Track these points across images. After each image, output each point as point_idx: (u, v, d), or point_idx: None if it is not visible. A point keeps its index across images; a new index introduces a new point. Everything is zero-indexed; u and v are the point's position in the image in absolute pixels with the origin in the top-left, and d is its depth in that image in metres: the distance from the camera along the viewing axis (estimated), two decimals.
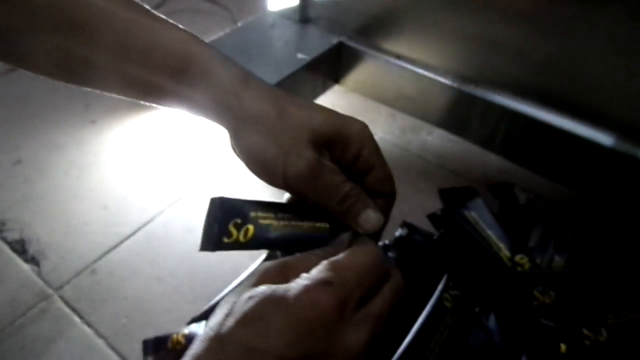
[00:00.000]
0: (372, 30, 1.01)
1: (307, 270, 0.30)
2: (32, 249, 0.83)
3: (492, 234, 0.81)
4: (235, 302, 0.29)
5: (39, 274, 0.79)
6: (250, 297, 0.28)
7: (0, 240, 0.84)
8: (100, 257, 0.82)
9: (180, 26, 0.37)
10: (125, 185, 0.94)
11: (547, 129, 0.89)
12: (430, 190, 0.93)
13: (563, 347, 0.70)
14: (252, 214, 0.35)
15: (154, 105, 0.39)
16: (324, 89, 1.09)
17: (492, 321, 0.73)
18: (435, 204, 0.89)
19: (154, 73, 0.36)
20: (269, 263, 0.32)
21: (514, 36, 0.86)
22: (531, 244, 0.82)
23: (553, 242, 0.80)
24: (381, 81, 1.06)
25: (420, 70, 0.98)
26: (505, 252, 0.79)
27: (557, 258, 0.78)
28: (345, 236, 0.36)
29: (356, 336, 0.28)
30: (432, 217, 0.84)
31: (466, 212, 0.83)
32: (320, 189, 0.35)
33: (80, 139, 1.02)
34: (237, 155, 0.38)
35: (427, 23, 0.93)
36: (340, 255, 0.31)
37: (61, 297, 0.77)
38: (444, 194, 0.91)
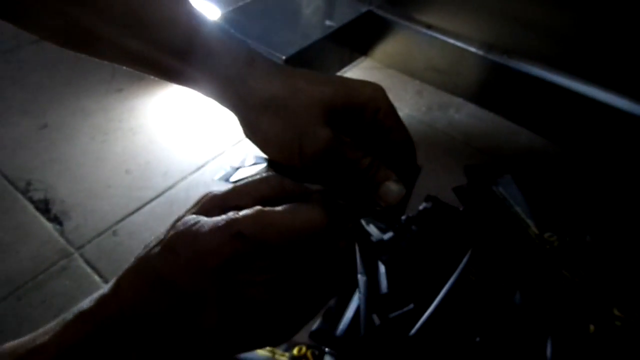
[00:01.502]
0: None
1: (239, 206, 0.29)
2: (55, 209, 0.83)
3: (521, 210, 0.78)
4: (169, 227, 0.29)
5: (62, 233, 0.80)
6: (173, 227, 0.28)
7: (26, 199, 0.85)
8: (122, 219, 0.82)
9: (189, 1, 0.36)
10: (149, 151, 0.94)
11: (584, 102, 0.85)
12: (456, 167, 0.91)
13: (592, 327, 0.67)
14: None
15: (164, 81, 0.38)
16: (350, 60, 1.07)
17: (517, 299, 0.70)
18: (460, 182, 0.87)
19: (158, 51, 0.35)
20: (218, 189, 0.31)
21: (548, 6, 0.83)
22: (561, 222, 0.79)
23: (584, 221, 0.77)
24: (410, 52, 1.03)
25: (451, 41, 0.95)
26: (533, 229, 0.76)
27: (588, 237, 0.75)
28: (275, 179, 0.33)
29: (255, 288, 0.28)
30: (457, 190, 0.82)
31: (494, 188, 0.80)
32: (339, 165, 0.34)
33: (106, 105, 1.03)
34: (251, 140, 0.37)
35: None
36: (277, 209, 0.29)
37: (82, 256, 0.77)
38: (469, 170, 0.88)
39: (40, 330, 0.27)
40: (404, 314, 0.69)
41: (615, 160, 0.89)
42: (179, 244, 0.28)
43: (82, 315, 0.27)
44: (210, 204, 0.31)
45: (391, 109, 0.36)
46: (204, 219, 0.28)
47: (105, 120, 1.00)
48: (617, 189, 0.88)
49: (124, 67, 0.38)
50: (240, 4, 1.03)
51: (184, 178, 0.89)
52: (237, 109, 0.36)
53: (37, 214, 0.83)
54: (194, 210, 0.31)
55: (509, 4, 0.87)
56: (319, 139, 0.33)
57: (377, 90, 0.35)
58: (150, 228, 0.81)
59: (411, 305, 0.69)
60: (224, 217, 0.28)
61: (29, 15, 0.35)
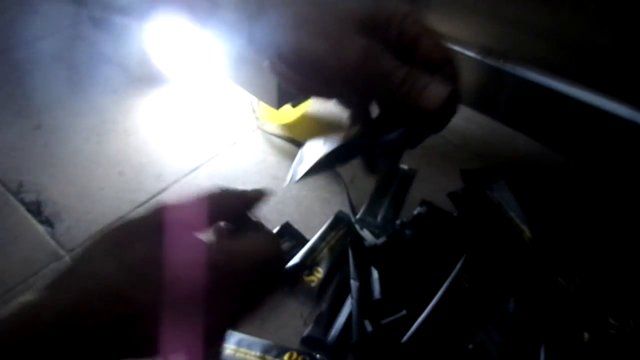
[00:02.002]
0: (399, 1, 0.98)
1: (193, 225, 0.30)
2: (47, 211, 0.83)
3: (515, 216, 0.77)
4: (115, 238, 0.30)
5: (53, 236, 0.79)
6: (129, 246, 0.29)
7: (17, 200, 0.84)
8: (114, 222, 0.81)
9: None
10: (143, 153, 0.93)
11: (582, 108, 0.85)
12: (452, 171, 0.90)
13: (586, 335, 0.67)
14: None
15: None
16: None
17: (511, 306, 0.70)
18: (456, 186, 0.86)
19: None
20: (168, 202, 0.31)
21: (547, 11, 0.82)
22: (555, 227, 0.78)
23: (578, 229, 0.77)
24: None
25: (448, 44, 0.95)
26: (527, 234, 0.75)
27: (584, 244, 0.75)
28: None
29: (220, 316, 0.29)
30: (452, 195, 0.81)
31: (489, 193, 0.80)
32: (378, 76, 0.34)
33: (101, 106, 1.02)
34: (282, 66, 0.36)
35: None
36: (238, 242, 0.31)
37: (73, 259, 0.76)
38: (466, 174, 0.88)
39: None
40: (396, 320, 0.68)
41: (613, 168, 0.88)
42: (142, 261, 0.27)
43: (14, 324, 0.26)
44: (162, 219, 0.30)
45: (418, 17, 0.36)
46: (169, 241, 0.29)
47: (99, 122, 0.99)
48: (615, 196, 0.87)
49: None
50: None
51: (177, 181, 0.88)
52: (269, 33, 0.36)
53: (29, 215, 0.82)
54: (146, 220, 0.30)
55: (508, 8, 0.87)
56: (356, 49, 0.34)
57: (403, 6, 0.36)
58: None
59: (404, 312, 0.68)
60: (195, 246, 0.29)
61: None
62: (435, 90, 0.34)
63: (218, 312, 0.29)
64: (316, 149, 0.40)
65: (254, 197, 0.35)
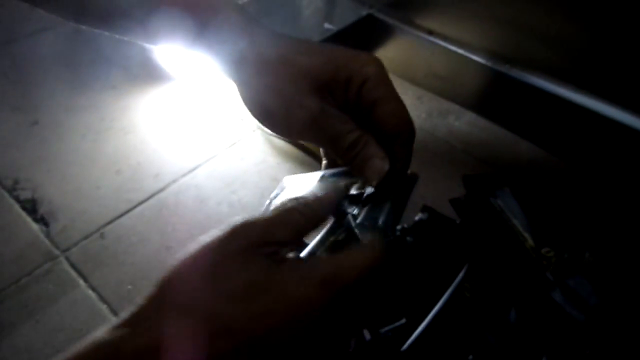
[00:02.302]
0: (405, 3, 0.96)
1: (287, 237, 0.29)
2: (42, 209, 0.81)
3: (518, 223, 0.76)
4: (196, 258, 0.28)
5: (48, 235, 0.78)
6: (230, 274, 0.26)
7: (12, 198, 0.83)
8: (110, 222, 0.80)
9: None
10: (140, 152, 0.92)
11: (586, 115, 0.83)
12: (454, 176, 0.88)
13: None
14: None
15: (157, 43, 0.37)
16: None
17: (512, 316, 0.68)
18: (459, 191, 0.85)
19: (160, 6, 0.34)
20: (240, 222, 0.29)
21: (553, 17, 0.81)
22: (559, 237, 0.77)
23: (583, 237, 0.75)
24: (411, 58, 1.01)
25: (453, 48, 0.93)
26: (530, 242, 0.74)
27: (587, 254, 0.73)
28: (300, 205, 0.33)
29: (335, 334, 0.28)
30: (454, 202, 0.80)
31: (492, 200, 0.78)
32: (326, 138, 0.34)
33: (100, 103, 1.01)
34: (247, 108, 0.36)
35: None
36: (342, 258, 0.30)
37: (67, 259, 0.75)
38: (468, 180, 0.86)
39: None
40: (395, 328, 0.67)
41: (616, 176, 0.87)
42: (256, 289, 0.25)
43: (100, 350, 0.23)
44: (248, 238, 0.28)
45: (381, 81, 0.34)
46: (275, 263, 0.27)
47: (97, 119, 0.98)
48: (619, 204, 0.86)
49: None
50: (239, 3, 1.00)
51: (175, 181, 0.87)
52: (229, 68, 0.35)
53: (23, 213, 0.81)
54: (231, 242, 0.28)
55: (514, 12, 0.85)
56: (305, 109, 0.33)
57: (368, 63, 0.34)
58: (139, 232, 0.79)
59: (403, 320, 0.67)
60: (300, 264, 0.28)
61: None
62: (375, 165, 0.33)
63: (334, 330, 0.28)
64: (296, 186, 0.39)
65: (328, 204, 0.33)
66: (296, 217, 0.30)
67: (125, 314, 0.26)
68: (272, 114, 0.34)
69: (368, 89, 0.34)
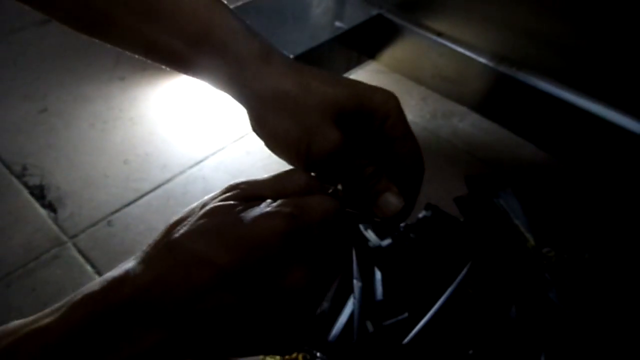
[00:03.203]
0: (414, 4, 0.97)
1: (271, 195, 0.31)
2: (50, 196, 0.82)
3: (520, 223, 0.77)
4: (193, 211, 0.29)
5: (55, 221, 0.79)
6: (209, 211, 0.28)
7: (21, 184, 0.83)
8: (117, 210, 0.81)
9: None
10: (148, 142, 0.92)
11: (589, 118, 0.85)
12: (457, 176, 0.90)
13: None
14: None
15: (174, 71, 0.37)
16: (357, 62, 1.06)
17: (513, 313, 0.70)
18: (461, 191, 0.86)
19: (174, 38, 0.34)
20: (238, 181, 0.32)
21: (560, 22, 0.83)
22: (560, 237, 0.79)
23: (583, 238, 0.77)
24: (419, 59, 1.02)
25: (461, 50, 0.95)
26: (531, 242, 0.76)
27: (586, 254, 0.75)
28: (303, 177, 0.34)
29: (297, 274, 0.28)
30: (458, 200, 0.81)
31: (495, 200, 0.80)
32: (342, 169, 0.34)
33: (108, 93, 1.01)
34: (258, 134, 0.36)
35: (471, 0, 0.90)
36: (310, 197, 0.31)
37: (75, 245, 0.76)
38: (470, 180, 0.88)
39: (47, 310, 0.26)
40: (397, 322, 0.68)
41: (617, 178, 0.89)
42: (223, 226, 0.27)
43: (91, 296, 0.26)
44: (240, 195, 0.31)
45: (401, 119, 0.35)
46: (243, 205, 0.29)
47: (105, 108, 0.98)
48: (618, 206, 0.87)
49: (131, 55, 0.37)
50: (254, 30, 1.01)
51: (182, 172, 0.88)
52: (248, 102, 0.35)
53: (32, 199, 0.81)
54: (225, 197, 0.30)
55: (521, 17, 0.87)
56: (328, 140, 0.33)
57: (389, 98, 0.35)
58: (146, 221, 0.80)
59: (405, 314, 0.68)
60: (269, 204, 0.29)
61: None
62: (390, 200, 0.35)
63: (299, 268, 0.28)
64: None
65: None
66: (286, 183, 0.32)
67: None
68: (290, 145, 0.34)
69: (390, 126, 0.34)
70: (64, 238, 0.76)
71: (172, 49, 0.35)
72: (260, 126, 0.35)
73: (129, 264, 0.27)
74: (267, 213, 0.28)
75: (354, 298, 0.70)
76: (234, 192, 0.31)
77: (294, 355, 0.65)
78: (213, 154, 0.91)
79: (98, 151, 0.90)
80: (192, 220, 0.28)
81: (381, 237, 0.78)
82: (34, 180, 0.84)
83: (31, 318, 0.26)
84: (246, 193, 0.31)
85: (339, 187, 0.36)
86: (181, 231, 0.27)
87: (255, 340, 0.29)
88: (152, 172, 0.87)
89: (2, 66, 1.05)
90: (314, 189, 0.33)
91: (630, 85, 0.81)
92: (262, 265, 0.27)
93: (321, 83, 0.34)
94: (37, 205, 0.81)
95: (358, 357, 0.66)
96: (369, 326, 0.67)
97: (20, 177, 0.84)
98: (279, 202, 0.29)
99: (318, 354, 0.66)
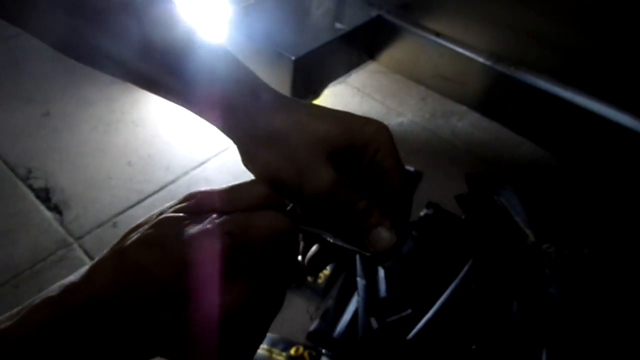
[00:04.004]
0: (413, 5, 0.99)
1: (223, 207, 0.31)
2: (55, 198, 0.83)
3: (520, 220, 0.79)
4: (150, 218, 0.29)
5: (61, 223, 0.79)
6: (158, 222, 0.29)
7: (26, 186, 0.84)
8: (122, 212, 0.82)
9: (195, 28, 0.36)
10: (151, 144, 0.93)
11: (587, 116, 0.86)
12: (457, 175, 0.91)
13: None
14: None
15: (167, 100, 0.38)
16: (358, 63, 1.07)
17: (515, 308, 0.71)
18: (461, 189, 0.87)
19: (165, 74, 0.34)
20: (195, 191, 0.32)
21: (557, 22, 0.84)
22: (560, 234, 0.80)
23: (582, 234, 0.78)
24: (418, 59, 1.03)
25: (460, 50, 0.96)
26: (531, 238, 0.77)
27: (585, 250, 0.76)
28: (261, 190, 0.34)
29: (236, 293, 0.28)
30: (459, 198, 0.83)
31: (495, 197, 0.81)
32: (335, 205, 0.34)
33: (110, 96, 1.02)
34: (249, 170, 0.37)
35: (470, 1, 0.91)
36: (256, 214, 0.31)
37: (81, 247, 0.77)
38: (470, 179, 0.89)
39: (6, 315, 0.27)
40: (401, 318, 0.69)
41: (615, 175, 0.90)
42: (166, 239, 0.28)
43: (49, 300, 0.26)
44: (194, 205, 0.31)
45: (391, 150, 0.35)
46: (191, 218, 0.29)
47: (107, 111, 0.99)
48: (617, 203, 0.88)
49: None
50: (252, 2, 1.03)
51: (185, 173, 0.89)
52: (238, 139, 0.35)
53: (37, 202, 0.82)
54: (177, 208, 0.31)
55: (519, 16, 0.88)
56: (322, 179, 0.33)
57: (379, 130, 0.34)
58: None
59: (409, 311, 0.69)
60: (212, 219, 0.29)
61: (32, 19, 0.34)
62: (383, 235, 0.35)
63: (237, 286, 0.28)
64: None
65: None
66: (244, 195, 0.32)
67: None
68: (283, 182, 0.34)
69: (381, 157, 0.34)
70: (70, 240, 0.77)
71: (162, 83, 0.35)
72: (252, 163, 0.35)
73: (86, 268, 0.28)
74: (206, 230, 0.28)
75: (358, 295, 0.71)
76: (187, 203, 0.31)
77: (300, 352, 0.66)
78: (215, 155, 0.92)
79: (101, 153, 0.91)
80: (143, 228, 0.29)
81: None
82: (38, 183, 0.85)
83: None
84: (198, 205, 0.31)
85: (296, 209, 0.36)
86: (132, 239, 0.28)
87: (202, 352, 0.29)
88: (156, 174, 0.88)
89: (4, 70, 1.06)
90: (272, 204, 0.33)
91: (628, 84, 0.82)
92: (197, 281, 0.27)
93: (311, 119, 0.34)
94: (42, 207, 0.81)
95: (363, 353, 0.67)
96: (373, 323, 0.68)
97: (25, 180, 0.85)
98: (222, 218, 0.29)
99: (323, 351, 0.67)
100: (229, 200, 0.32)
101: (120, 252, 0.28)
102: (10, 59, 1.08)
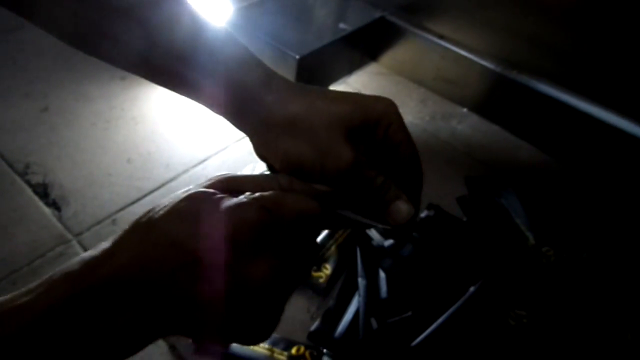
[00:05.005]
0: (417, 7, 0.99)
1: (252, 190, 0.32)
2: (54, 194, 0.82)
3: (521, 222, 0.79)
4: (174, 197, 0.29)
5: (60, 219, 0.79)
6: (188, 196, 0.29)
7: (24, 182, 0.83)
8: (121, 209, 0.81)
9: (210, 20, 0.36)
10: (151, 142, 0.93)
11: (587, 120, 0.87)
12: (456, 177, 0.92)
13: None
14: None
15: (178, 94, 0.38)
16: (360, 64, 1.08)
17: (516, 317, 0.71)
18: (461, 192, 0.88)
19: (176, 63, 0.35)
20: (223, 173, 0.33)
21: (560, 26, 0.85)
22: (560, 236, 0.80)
23: (582, 237, 0.79)
24: (420, 60, 1.04)
25: (463, 52, 0.96)
26: (531, 240, 0.77)
27: (584, 254, 0.77)
28: (286, 178, 0.35)
29: (263, 268, 0.28)
30: (461, 200, 0.83)
31: (496, 199, 0.81)
32: (355, 182, 0.35)
33: (109, 92, 1.02)
34: (267, 159, 0.37)
35: (474, 4, 0.92)
36: (288, 194, 0.32)
37: (80, 243, 0.76)
38: (470, 181, 0.89)
39: (23, 290, 0.26)
40: (402, 320, 0.69)
41: (615, 180, 0.91)
42: (199, 211, 0.28)
43: (70, 276, 0.26)
44: (223, 186, 0.32)
45: (401, 124, 0.36)
46: (224, 194, 0.30)
47: (107, 108, 0.98)
48: (617, 207, 0.89)
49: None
50: (255, 0, 1.02)
51: (185, 171, 0.88)
52: (254, 129, 0.36)
53: (35, 197, 0.81)
54: (207, 185, 0.32)
55: (522, 21, 0.89)
56: (342, 158, 0.34)
57: (389, 106, 0.36)
58: None
59: (409, 312, 0.69)
60: (246, 195, 0.30)
61: (41, 12, 0.34)
62: (403, 207, 0.36)
63: (265, 261, 0.29)
64: None
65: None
66: (270, 182, 0.34)
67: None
68: (304, 166, 0.35)
69: (394, 131, 0.36)
70: (69, 236, 0.76)
71: (175, 73, 0.35)
72: (270, 151, 0.36)
73: (107, 243, 0.28)
74: (243, 203, 0.29)
75: (359, 296, 0.71)
76: (217, 182, 0.32)
77: (301, 351, 0.66)
78: (216, 153, 0.92)
79: (101, 150, 0.90)
80: (172, 202, 0.29)
81: (384, 236, 0.79)
82: (37, 179, 0.84)
83: (7, 297, 0.26)
84: (229, 184, 0.32)
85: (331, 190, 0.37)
86: (160, 212, 0.28)
87: (225, 327, 0.29)
88: (155, 171, 0.88)
89: (1, 64, 1.05)
90: (296, 190, 0.34)
91: (628, 88, 0.83)
92: (230, 253, 0.27)
93: (326, 102, 0.35)
94: (40, 203, 0.80)
95: (364, 354, 0.67)
96: (374, 323, 0.68)
97: (23, 175, 0.84)
98: (256, 194, 0.30)
99: (324, 350, 0.66)
100: (257, 182, 0.33)
101: (148, 225, 0.28)
102: (8, 54, 1.07)
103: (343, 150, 0.34)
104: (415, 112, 1.06)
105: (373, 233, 0.80)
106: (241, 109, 0.36)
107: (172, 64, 0.35)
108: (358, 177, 0.35)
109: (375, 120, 0.35)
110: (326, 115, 0.34)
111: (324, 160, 0.34)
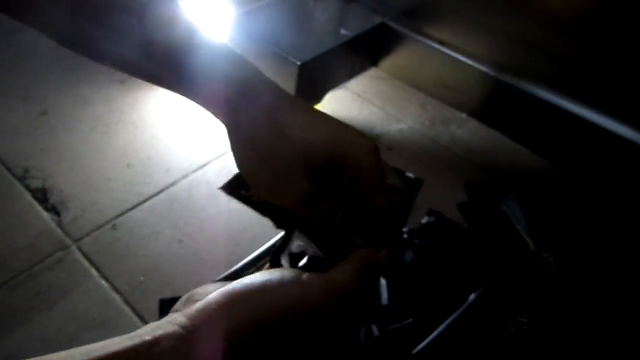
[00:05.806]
0: (417, 13, 0.99)
1: None
2: (53, 199, 0.82)
3: (521, 229, 0.79)
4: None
5: (59, 224, 0.78)
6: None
7: (23, 187, 0.83)
8: (121, 214, 0.81)
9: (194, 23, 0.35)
10: (151, 146, 0.92)
11: (587, 127, 0.87)
12: (456, 183, 0.92)
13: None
14: None
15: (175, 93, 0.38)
16: (360, 69, 1.08)
17: (517, 325, 0.71)
18: (460, 197, 0.88)
19: (165, 71, 0.35)
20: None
21: (558, 32, 0.85)
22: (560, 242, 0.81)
23: (582, 244, 0.79)
24: (420, 66, 1.04)
25: (463, 58, 0.97)
26: (531, 246, 0.77)
27: (584, 260, 0.77)
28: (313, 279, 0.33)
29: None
30: (461, 206, 0.83)
31: (497, 205, 0.81)
32: (310, 215, 0.34)
33: (109, 96, 1.01)
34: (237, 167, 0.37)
35: (474, 11, 0.92)
36: (315, 279, 0.31)
37: (79, 249, 0.76)
38: (470, 186, 0.89)
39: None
40: (403, 327, 0.69)
41: (615, 186, 0.91)
42: (260, 299, 0.28)
43: None
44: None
45: (374, 175, 0.34)
46: None
47: (106, 112, 0.98)
48: (616, 213, 0.89)
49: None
50: (256, 5, 1.02)
51: (185, 176, 0.88)
52: (227, 131, 0.36)
53: (34, 202, 0.81)
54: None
55: (522, 27, 0.89)
56: (295, 191, 0.33)
57: (365, 155, 0.33)
58: (151, 225, 0.80)
59: (410, 319, 0.69)
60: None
61: (36, 16, 0.34)
62: (360, 250, 0.34)
63: (336, 330, 0.31)
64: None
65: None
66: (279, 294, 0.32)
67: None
68: (262, 184, 0.35)
69: (363, 181, 0.34)
70: (68, 241, 0.76)
71: (158, 75, 0.35)
72: (235, 159, 0.36)
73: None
74: (307, 289, 0.29)
75: None
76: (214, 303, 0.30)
77: None
78: (216, 158, 0.92)
79: (100, 154, 0.90)
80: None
81: None
82: (36, 183, 0.83)
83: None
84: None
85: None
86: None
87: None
88: (155, 176, 0.87)
89: (0, 67, 1.04)
90: None
91: (627, 94, 0.83)
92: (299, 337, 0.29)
93: (297, 129, 0.33)
94: (39, 208, 0.80)
95: None
96: (375, 330, 0.68)
97: (22, 179, 0.84)
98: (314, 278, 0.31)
99: None
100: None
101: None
102: (6, 57, 1.07)
103: (298, 183, 0.33)
104: (415, 116, 1.06)
105: None
106: (217, 111, 0.36)
107: (164, 71, 0.35)
108: (313, 211, 0.34)
109: (339, 165, 0.33)
110: (292, 145, 0.33)
111: (277, 188, 0.34)
